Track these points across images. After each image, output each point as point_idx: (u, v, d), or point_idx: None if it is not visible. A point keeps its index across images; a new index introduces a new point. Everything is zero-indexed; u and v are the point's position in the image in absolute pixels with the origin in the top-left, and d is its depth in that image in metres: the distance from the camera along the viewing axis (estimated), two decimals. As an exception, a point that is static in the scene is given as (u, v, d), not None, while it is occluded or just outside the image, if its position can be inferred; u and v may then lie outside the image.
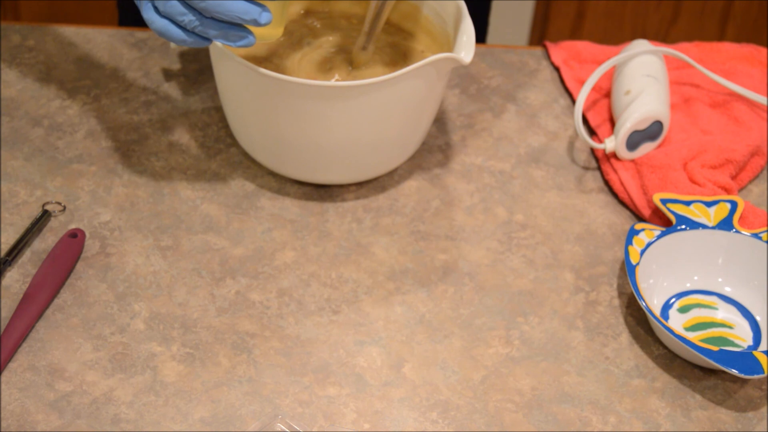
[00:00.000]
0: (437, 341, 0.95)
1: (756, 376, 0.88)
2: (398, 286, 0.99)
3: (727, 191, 1.06)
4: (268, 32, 0.95)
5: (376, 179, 1.08)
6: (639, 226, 1.00)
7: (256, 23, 0.90)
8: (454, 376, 0.92)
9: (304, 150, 1.02)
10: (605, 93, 1.18)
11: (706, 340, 0.96)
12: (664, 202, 1.03)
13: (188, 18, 0.90)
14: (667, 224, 1.04)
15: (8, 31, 1.21)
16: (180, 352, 0.92)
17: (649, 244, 0.98)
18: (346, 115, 0.99)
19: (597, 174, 1.12)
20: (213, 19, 0.91)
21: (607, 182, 1.11)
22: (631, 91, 1.11)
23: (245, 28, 0.91)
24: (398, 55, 1.09)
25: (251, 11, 0.89)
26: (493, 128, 1.16)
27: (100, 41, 1.21)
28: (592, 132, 1.16)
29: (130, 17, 1.35)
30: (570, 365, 0.94)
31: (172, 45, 1.11)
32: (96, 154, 1.08)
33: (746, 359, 0.89)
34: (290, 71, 1.07)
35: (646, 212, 1.06)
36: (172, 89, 1.16)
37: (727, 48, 1.25)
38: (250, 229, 1.03)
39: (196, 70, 1.18)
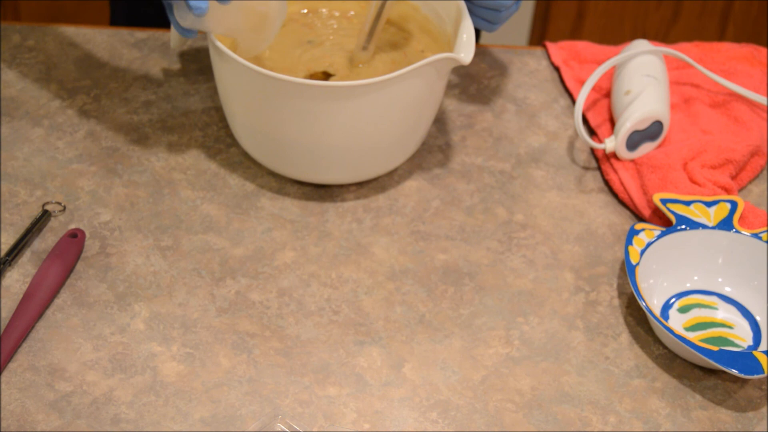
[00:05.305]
0: (437, 341, 0.95)
1: (756, 376, 0.88)
2: (398, 286, 0.99)
3: (727, 191, 1.06)
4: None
5: (376, 179, 1.08)
6: (639, 226, 1.00)
7: None
8: (454, 376, 0.92)
9: (304, 150, 1.02)
10: (605, 93, 1.18)
11: (706, 340, 0.96)
12: (664, 202, 1.03)
13: None
14: (667, 224, 1.04)
15: (8, 31, 1.21)
16: (180, 352, 0.92)
17: (649, 244, 0.98)
18: (346, 115, 0.99)
19: (597, 174, 1.12)
20: None
21: (607, 182, 1.11)
22: (631, 91, 1.11)
23: None
24: (398, 55, 1.09)
25: None
26: (493, 128, 1.16)
27: (100, 41, 1.21)
28: (592, 132, 1.16)
29: (122, 14, 1.35)
30: (570, 365, 0.94)
31: (172, 45, 1.11)
32: (96, 154, 1.08)
33: (746, 359, 0.89)
34: (290, 71, 1.07)
35: (646, 212, 1.06)
36: (172, 89, 1.16)
37: (727, 48, 1.25)
38: (250, 229, 1.03)
39: (196, 70, 1.18)
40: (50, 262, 0.96)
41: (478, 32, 1.36)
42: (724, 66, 1.22)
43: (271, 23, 1.01)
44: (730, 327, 0.97)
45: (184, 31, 0.99)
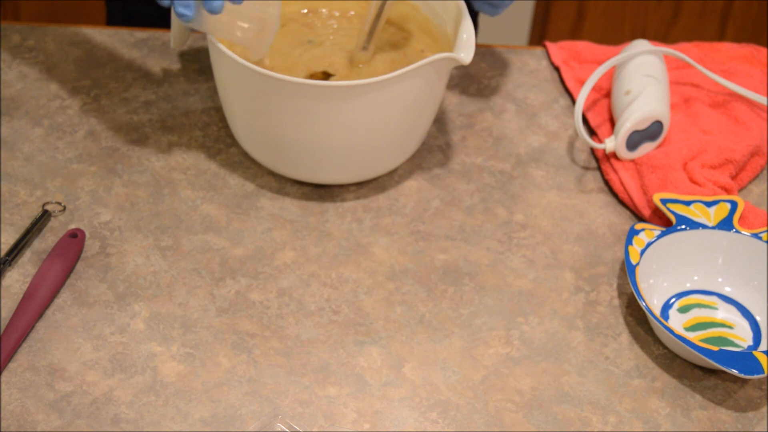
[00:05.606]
0: (437, 341, 0.95)
1: (756, 376, 0.88)
2: (398, 286, 0.99)
3: (727, 191, 1.06)
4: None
5: (376, 179, 1.08)
6: (639, 226, 1.00)
7: None
8: (454, 376, 0.92)
9: (304, 150, 1.02)
10: (605, 93, 1.18)
11: (706, 340, 0.96)
12: (664, 202, 1.03)
13: None
14: (667, 224, 1.04)
15: (8, 31, 1.21)
16: (180, 352, 0.92)
17: (649, 244, 0.98)
18: (346, 115, 0.99)
19: (597, 174, 1.12)
20: None
21: (607, 182, 1.11)
22: (631, 91, 1.11)
23: None
24: (398, 55, 1.09)
25: None
26: (493, 128, 1.16)
27: (100, 41, 1.21)
28: (592, 132, 1.16)
29: (118, 14, 1.35)
30: (570, 365, 0.94)
31: (172, 45, 1.11)
32: (96, 154, 1.08)
33: (746, 359, 0.89)
34: (290, 71, 1.07)
35: (646, 212, 1.06)
36: (172, 89, 1.16)
37: (727, 48, 1.25)
38: (250, 229, 1.03)
39: (196, 70, 1.18)
40: (50, 262, 0.96)
41: (476, 25, 1.36)
42: (724, 66, 1.22)
43: (268, 30, 1.01)
44: (730, 327, 0.97)
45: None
